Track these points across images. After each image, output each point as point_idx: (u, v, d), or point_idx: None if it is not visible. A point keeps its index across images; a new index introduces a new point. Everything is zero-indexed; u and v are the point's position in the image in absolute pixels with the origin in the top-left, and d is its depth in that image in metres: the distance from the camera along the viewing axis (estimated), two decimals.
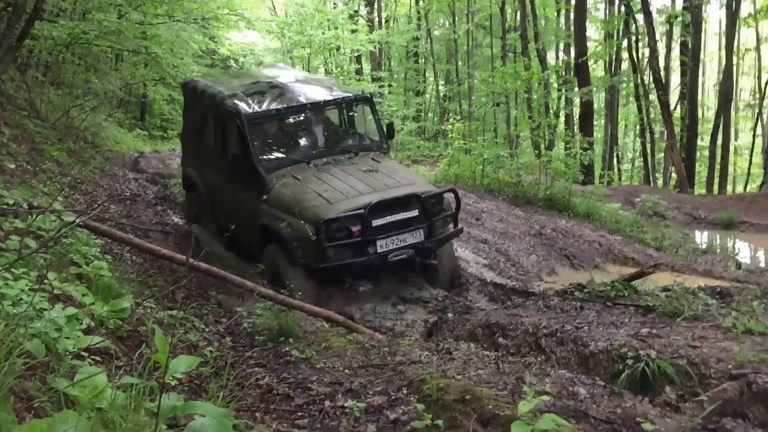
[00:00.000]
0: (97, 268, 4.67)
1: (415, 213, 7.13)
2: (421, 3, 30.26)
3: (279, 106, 8.09)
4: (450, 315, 6.67)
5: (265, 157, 7.77)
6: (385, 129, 8.53)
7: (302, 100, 8.33)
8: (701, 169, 27.34)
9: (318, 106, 8.42)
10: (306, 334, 5.15)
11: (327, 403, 3.77)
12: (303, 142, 8.39)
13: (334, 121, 8.90)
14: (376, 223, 6.87)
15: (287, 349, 4.82)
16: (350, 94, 8.76)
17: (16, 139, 9.61)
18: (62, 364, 2.70)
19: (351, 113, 8.80)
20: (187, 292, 6.54)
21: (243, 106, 7.92)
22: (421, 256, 7.39)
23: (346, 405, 3.69)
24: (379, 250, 6.89)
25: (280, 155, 7.99)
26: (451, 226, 7.63)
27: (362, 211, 6.76)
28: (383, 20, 31.95)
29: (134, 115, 25.37)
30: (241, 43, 27.77)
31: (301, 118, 8.46)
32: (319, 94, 8.59)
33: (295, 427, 3.47)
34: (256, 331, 5.32)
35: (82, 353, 3.09)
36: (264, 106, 8.02)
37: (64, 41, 13.41)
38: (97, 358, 3.17)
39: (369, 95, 9.07)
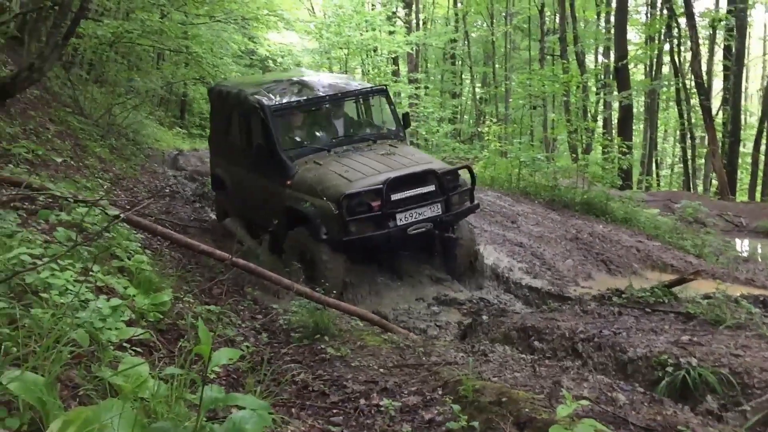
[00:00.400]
0: (138, 262, 4.75)
1: (432, 188, 7.43)
2: (459, 5, 30.18)
3: (299, 98, 8.55)
4: (485, 317, 6.62)
5: (287, 146, 8.12)
6: (401, 119, 9.00)
7: (321, 93, 8.80)
8: (743, 176, 26.77)
9: (336, 98, 8.84)
10: (341, 332, 5.16)
11: (362, 401, 3.77)
12: (323, 131, 8.74)
13: (353, 113, 9.28)
14: (395, 197, 7.17)
15: (322, 346, 4.84)
16: (367, 87, 9.37)
17: (61, 135, 9.83)
18: (106, 355, 2.75)
19: (368, 105, 9.24)
20: (223, 289, 6.62)
21: (266, 99, 8.33)
22: (439, 230, 7.59)
23: (381, 404, 3.69)
24: (399, 223, 7.17)
25: (302, 144, 8.32)
26: (468, 202, 7.91)
27: (381, 186, 7.08)
28: (421, 22, 31.90)
29: (174, 113, 25.74)
30: (280, 44, 27.99)
31: (321, 109, 8.85)
32: (338, 87, 9.09)
33: (330, 424, 3.48)
34: (291, 328, 5.35)
35: (124, 344, 3.14)
36: (285, 99, 8.48)
37: (108, 40, 13.65)
38: (139, 350, 3.23)
39: (384, 87, 9.50)
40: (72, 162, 8.77)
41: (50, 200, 5.30)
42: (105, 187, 8.62)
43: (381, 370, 4.36)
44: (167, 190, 11.74)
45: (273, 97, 8.48)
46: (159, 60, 20.55)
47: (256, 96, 8.45)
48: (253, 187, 8.60)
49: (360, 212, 7.07)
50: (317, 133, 8.69)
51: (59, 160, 7.90)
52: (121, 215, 4.20)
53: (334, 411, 3.68)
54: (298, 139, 8.47)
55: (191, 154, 18.49)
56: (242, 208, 9.18)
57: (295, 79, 9.29)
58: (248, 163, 8.62)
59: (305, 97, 8.60)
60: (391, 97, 9.56)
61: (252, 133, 8.53)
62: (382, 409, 3.63)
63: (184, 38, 15.81)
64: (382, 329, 5.49)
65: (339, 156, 7.93)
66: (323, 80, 9.47)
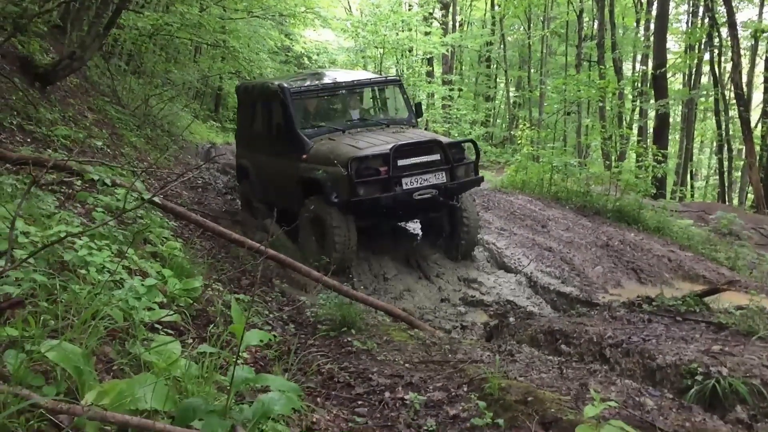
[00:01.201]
0: (171, 248, 4.82)
1: (437, 157, 7.84)
2: (496, 8, 30.04)
3: (317, 83, 9.31)
4: (511, 319, 6.59)
5: (305, 125, 8.66)
6: (414, 108, 9.50)
7: (338, 81, 9.44)
8: None
9: (352, 86, 9.41)
10: (368, 327, 5.19)
11: (387, 394, 3.78)
12: (339, 115, 9.34)
13: (368, 101, 9.94)
14: (401, 163, 7.56)
15: (349, 339, 4.86)
16: (381, 77, 10.05)
17: (99, 123, 9.99)
18: (139, 332, 2.80)
19: (383, 94, 9.80)
20: (252, 279, 6.68)
21: (286, 84, 8.92)
22: (443, 197, 7.85)
23: (406, 398, 3.70)
24: (405, 188, 7.55)
25: (319, 125, 8.81)
26: (472, 174, 8.29)
27: (388, 151, 7.47)
28: (457, 24, 31.83)
29: (209, 107, 25.99)
30: (316, 41, 28.12)
31: (338, 96, 9.46)
32: (354, 77, 9.69)
33: (354, 414, 3.50)
34: (318, 320, 5.39)
35: (156, 326, 3.19)
36: (305, 84, 9.15)
37: (148, 32, 13.86)
38: (170, 332, 3.27)
39: (398, 78, 10.12)
40: (108, 150, 8.91)
41: (87, 185, 5.40)
42: (140, 175, 8.74)
43: (406, 365, 4.37)
44: (200, 182, 11.89)
45: (293, 83, 9.08)
46: (196, 53, 20.78)
47: (278, 82, 9.03)
48: (273, 168, 9.09)
49: (368, 175, 7.45)
50: (333, 117, 9.29)
51: (99, 143, 8.05)
52: (155, 195, 4.25)
53: (359, 402, 3.70)
54: (315, 120, 8.99)
55: (224, 147, 18.66)
56: (263, 193, 9.62)
57: (316, 71, 10.30)
58: (269, 147, 9.21)
59: (323, 83, 9.34)
60: (405, 87, 10.12)
61: (273, 116, 9.08)
62: (407, 402, 3.64)
63: (222, 32, 15.97)
64: (409, 325, 5.50)
65: (353, 135, 8.44)
66: (342, 73, 10.20)
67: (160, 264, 4.50)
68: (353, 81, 9.43)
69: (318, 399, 3.65)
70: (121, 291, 2.95)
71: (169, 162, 11.83)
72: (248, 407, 2.19)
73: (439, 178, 7.79)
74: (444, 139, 8.34)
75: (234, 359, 2.07)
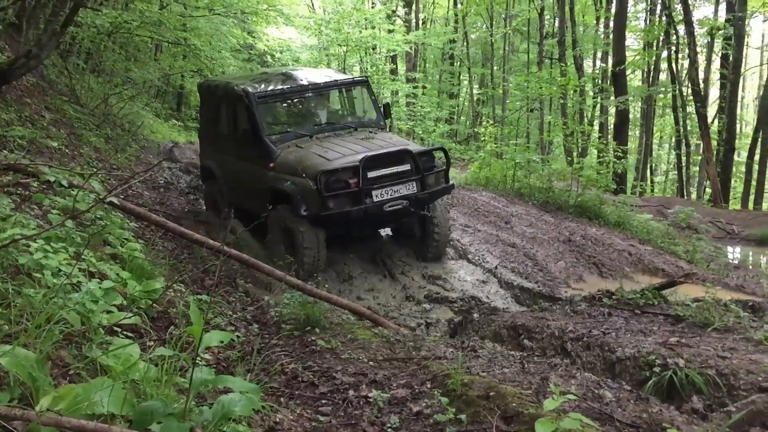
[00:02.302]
0: (131, 250, 4.75)
1: (407, 167, 7.77)
2: (459, 5, 30.19)
3: (283, 87, 9.01)
4: (475, 315, 6.65)
5: (271, 131, 8.49)
6: (382, 109, 9.37)
7: (305, 83, 9.26)
8: (737, 185, 26.88)
9: (319, 87, 9.29)
10: (332, 325, 5.18)
11: (351, 392, 3.79)
12: (306, 119, 9.18)
13: (335, 103, 9.76)
14: (371, 175, 7.49)
15: (313, 338, 4.85)
16: (348, 78, 9.82)
17: (56, 123, 9.80)
18: (96, 336, 2.76)
19: (350, 96, 9.62)
20: (215, 280, 6.62)
21: (251, 88, 8.71)
22: (414, 207, 7.79)
23: (369, 395, 3.71)
24: (375, 200, 7.49)
25: (285, 130, 8.67)
26: (443, 182, 8.23)
27: (358, 163, 7.39)
28: (420, 21, 31.92)
29: (171, 105, 25.66)
30: (279, 39, 27.94)
31: (304, 98, 9.34)
32: (320, 78, 9.52)
33: (318, 413, 3.49)
34: (282, 320, 5.37)
35: (115, 328, 3.15)
36: (270, 88, 8.92)
37: (107, 30, 13.61)
38: (130, 335, 3.23)
39: (365, 78, 9.91)
40: (67, 150, 8.74)
41: (44, 187, 5.30)
42: (100, 176, 8.60)
43: (371, 362, 4.38)
44: (161, 182, 11.73)
45: (258, 86, 8.90)
46: (157, 51, 20.50)
47: (242, 86, 8.81)
48: (240, 172, 8.92)
49: (337, 188, 7.37)
50: (300, 121, 9.13)
51: (54, 144, 7.89)
52: (111, 194, 4.19)
53: (323, 401, 3.70)
54: (281, 125, 8.89)
55: (187, 146, 18.44)
56: (230, 195, 9.43)
57: (281, 71, 9.89)
58: (235, 151, 9.01)
59: (288, 86, 9.08)
60: (372, 88, 9.99)
61: (238, 120, 8.90)
62: (371, 400, 3.65)
63: (183, 30, 15.78)
64: (373, 323, 5.51)
65: (320, 140, 8.30)
66: (308, 74, 9.90)
67: (120, 266, 4.43)
68: (320, 83, 9.30)
69: (281, 399, 3.64)
70: (78, 294, 2.90)
71: (131, 162, 11.64)
72: (208, 409, 2.17)
73: (410, 188, 7.74)
74: (414, 148, 8.26)
75: (192, 361, 2.05)
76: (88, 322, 2.83)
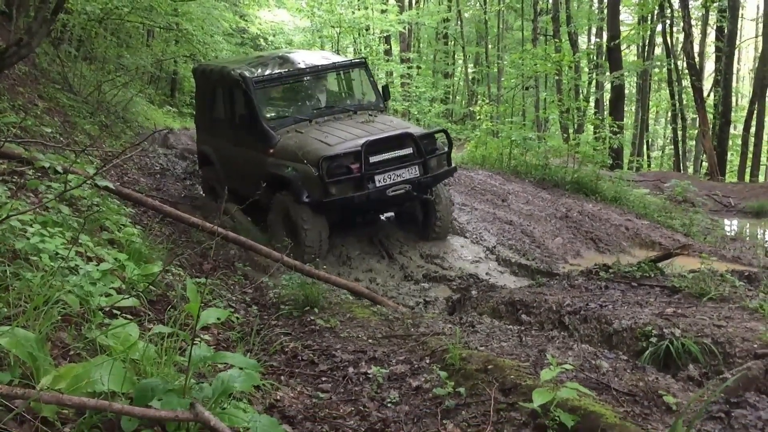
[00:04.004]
0: (128, 234, 4.77)
1: (409, 151, 7.71)
2: None
3: (280, 71, 8.87)
4: (474, 292, 6.69)
5: (269, 116, 8.42)
6: (381, 91, 9.29)
7: (302, 66, 9.10)
8: (733, 158, 26.88)
9: (317, 70, 9.15)
10: (330, 305, 5.21)
11: (350, 369, 3.82)
12: (305, 103, 9.06)
13: (334, 86, 9.62)
14: (373, 159, 7.43)
15: (312, 318, 4.88)
16: (346, 60, 9.71)
17: (50, 111, 9.77)
18: (96, 317, 2.78)
19: (349, 78, 9.50)
20: (214, 263, 6.64)
21: (248, 72, 8.58)
22: (417, 191, 7.76)
23: (369, 372, 3.74)
24: (377, 185, 7.43)
25: (284, 115, 8.60)
26: (445, 165, 8.19)
27: (359, 148, 7.32)
28: (414, 1, 31.73)
29: (164, 91, 25.54)
30: (271, 22, 27.74)
31: (302, 82, 9.18)
32: (318, 61, 9.41)
33: (318, 390, 3.53)
34: (281, 301, 5.39)
35: (114, 311, 3.17)
36: (267, 72, 8.78)
37: (98, 16, 13.52)
38: (128, 316, 3.25)
39: (363, 59, 9.78)
40: (61, 138, 8.73)
41: (39, 174, 5.30)
42: (95, 163, 8.60)
43: (369, 340, 4.41)
44: (157, 168, 11.72)
45: (255, 70, 8.76)
46: (149, 37, 20.38)
47: (239, 70, 8.68)
48: (238, 158, 8.82)
49: (339, 174, 7.31)
50: (299, 105, 9.01)
51: (48, 130, 7.88)
52: (101, 171, 4.19)
53: (323, 379, 3.74)
54: (280, 110, 8.80)
55: (182, 132, 18.40)
56: (229, 181, 9.19)
57: (277, 55, 9.74)
58: (233, 136, 8.90)
59: (286, 70, 8.93)
60: (371, 69, 9.86)
61: (235, 106, 8.78)
62: (370, 376, 3.69)
63: (174, 15, 15.66)
64: (372, 302, 5.55)
65: (320, 125, 8.20)
66: (305, 56, 9.75)
67: (118, 251, 4.45)
68: (318, 66, 9.15)
69: (282, 377, 3.67)
70: (76, 277, 2.92)
71: (125, 148, 11.61)
72: (208, 386, 2.20)
73: (413, 172, 7.69)
74: (416, 131, 8.18)
75: (191, 338, 2.07)
76: (86, 305, 2.85)
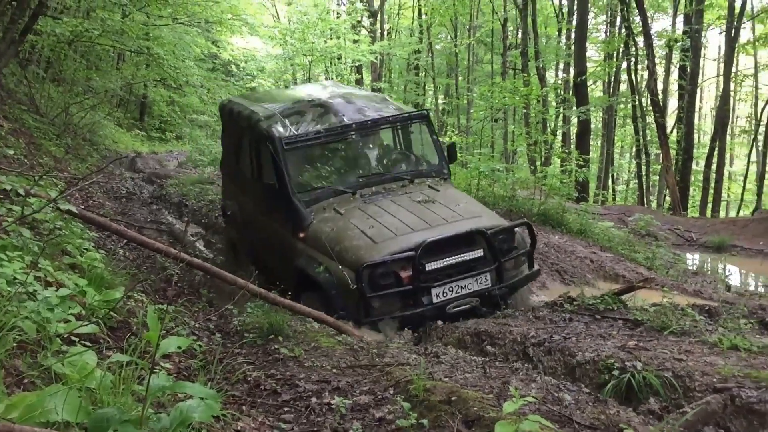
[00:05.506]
0: (90, 259, 4.69)
1: (479, 253, 6.11)
2: (423, 16, 30.47)
3: (319, 128, 7.18)
4: (439, 322, 6.69)
5: (303, 187, 6.88)
6: (445, 151, 7.63)
7: (346, 120, 7.36)
8: (695, 193, 27.51)
9: (365, 127, 7.43)
10: (295, 334, 5.16)
11: (314, 399, 3.78)
12: (347, 169, 7.34)
13: (386, 144, 7.99)
14: (430, 267, 5.87)
15: (276, 347, 4.83)
16: (403, 112, 7.84)
17: (15, 132, 9.65)
18: (53, 345, 2.72)
19: (406, 134, 7.87)
20: (178, 290, 6.56)
21: (278, 128, 7.11)
22: (488, 306, 6.16)
23: (332, 402, 3.71)
24: (435, 300, 5.89)
25: (321, 185, 6.98)
26: (525, 267, 6.54)
27: (413, 252, 5.77)
28: (385, 32, 32.13)
29: (133, 115, 25.42)
30: (244, 49, 27.89)
31: (346, 141, 7.40)
32: (367, 112, 7.63)
33: (280, 421, 3.48)
34: (245, 329, 5.33)
35: (73, 338, 3.11)
36: (302, 129, 7.16)
37: (67, 38, 13.47)
38: (87, 344, 3.19)
39: (426, 112, 8.06)
40: (25, 160, 8.61)
41: (1, 197, 5.21)
42: (59, 186, 8.48)
43: (334, 370, 4.37)
44: (123, 192, 11.60)
45: (288, 124, 7.21)
46: (119, 60, 20.33)
47: (269, 123, 7.25)
48: (265, 229, 7.47)
49: (385, 286, 5.79)
50: (340, 171, 7.25)
51: (11, 152, 7.75)
52: (62, 196, 4.14)
53: (285, 409, 3.69)
54: (315, 178, 7.11)
55: (150, 156, 18.30)
56: (252, 249, 8.08)
57: (317, 100, 7.78)
58: (259, 202, 7.55)
59: (326, 126, 7.21)
60: (434, 124, 8.04)
61: (263, 168, 7.38)
62: (333, 407, 3.65)
63: (146, 39, 15.68)
64: (337, 331, 5.51)
65: (365, 202, 6.67)
66: (352, 102, 7.83)
67: (79, 276, 4.37)
68: (366, 121, 7.39)
69: (243, 407, 3.62)
70: (33, 303, 2.86)
71: (91, 172, 11.49)
72: (166, 416, 2.16)
73: (482, 282, 6.07)
74: (489, 223, 6.39)
75: (150, 367, 2.04)
76: (43, 331, 2.80)
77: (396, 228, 6.13)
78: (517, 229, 6.59)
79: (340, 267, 5.83)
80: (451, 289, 5.95)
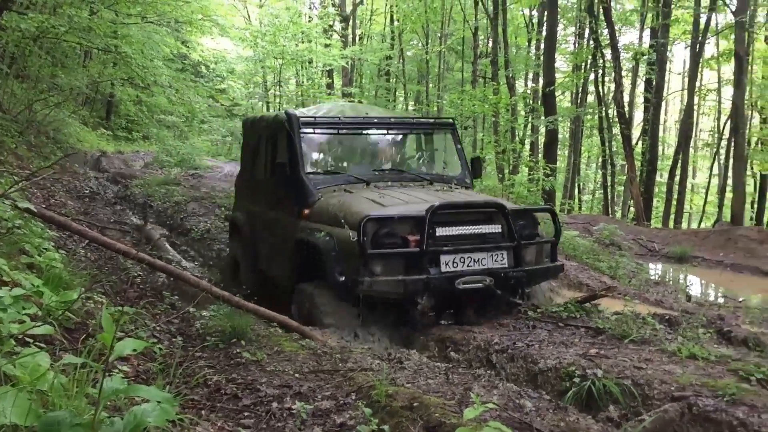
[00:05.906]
0: (49, 259, 4.60)
1: (497, 229, 5.70)
2: (395, 23, 30.59)
3: (336, 116, 7.07)
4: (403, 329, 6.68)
5: (313, 168, 6.66)
6: (469, 163, 7.35)
7: (365, 115, 7.35)
8: (658, 204, 28.01)
9: (387, 123, 7.28)
10: (258, 338, 5.11)
11: (275, 404, 3.74)
12: (364, 161, 7.21)
13: (408, 146, 7.80)
14: (441, 232, 5.45)
15: (238, 350, 4.78)
16: (429, 118, 7.87)
17: None
18: (5, 346, 2.65)
19: (430, 141, 7.60)
20: (140, 292, 6.46)
21: (296, 112, 7.03)
22: (503, 289, 5.67)
23: (293, 407, 3.67)
24: (443, 269, 5.38)
25: (333, 171, 6.84)
26: (548, 261, 6.13)
27: (423, 213, 5.34)
28: (357, 37, 32.18)
29: (99, 114, 25.03)
30: (214, 50, 27.68)
31: (365, 136, 7.27)
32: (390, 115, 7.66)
33: (240, 426, 3.44)
34: (207, 332, 5.26)
35: (27, 339, 3.03)
36: (320, 114, 7.12)
37: (33, 34, 13.21)
38: (42, 345, 3.12)
39: (452, 120, 7.85)
40: None
41: None
42: (20, 184, 8.31)
43: (296, 374, 4.34)
44: (87, 191, 11.42)
45: (307, 113, 7.20)
46: (86, 58, 20.01)
47: (287, 112, 7.06)
48: (269, 224, 7.22)
49: (389, 245, 5.36)
50: (357, 163, 7.12)
51: None
52: (10, 191, 4.05)
53: (246, 414, 3.64)
54: (329, 163, 7.00)
55: (115, 156, 18.04)
56: (254, 257, 7.74)
57: (339, 106, 7.87)
58: (268, 197, 7.37)
59: (343, 116, 7.15)
60: (459, 135, 7.74)
61: (276, 155, 7.09)
62: (294, 412, 3.62)
63: (114, 37, 15.45)
64: (301, 335, 5.47)
65: (379, 188, 6.36)
66: (375, 110, 7.91)
67: (37, 275, 4.28)
68: (387, 117, 7.32)
69: (202, 411, 3.56)
70: None
71: (54, 170, 11.29)
72: (119, 420, 2.11)
73: (498, 260, 5.60)
74: (509, 205, 6.07)
75: (103, 370, 2.00)
76: None
77: (407, 200, 5.83)
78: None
79: (343, 221, 5.48)
80: (462, 259, 5.46)
